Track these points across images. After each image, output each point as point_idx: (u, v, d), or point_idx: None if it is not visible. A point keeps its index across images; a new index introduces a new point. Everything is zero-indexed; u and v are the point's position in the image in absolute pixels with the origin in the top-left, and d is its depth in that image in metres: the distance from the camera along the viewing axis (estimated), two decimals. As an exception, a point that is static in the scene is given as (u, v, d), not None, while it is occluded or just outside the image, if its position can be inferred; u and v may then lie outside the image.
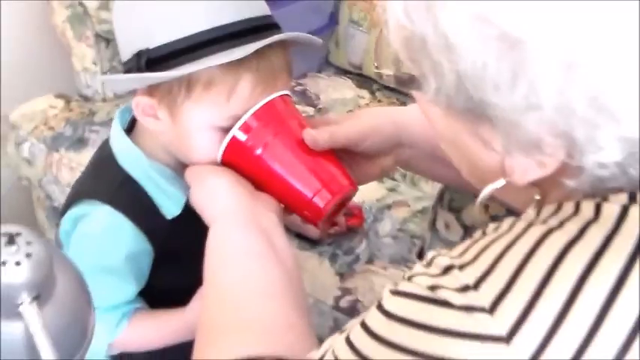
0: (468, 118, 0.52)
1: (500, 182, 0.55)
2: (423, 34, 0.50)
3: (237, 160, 0.82)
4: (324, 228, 0.95)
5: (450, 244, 1.10)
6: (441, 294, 0.47)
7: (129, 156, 0.89)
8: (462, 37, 0.47)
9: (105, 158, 0.92)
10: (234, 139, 0.80)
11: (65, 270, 0.70)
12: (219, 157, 0.82)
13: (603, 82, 0.45)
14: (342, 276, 1.22)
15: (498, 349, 0.44)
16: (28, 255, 0.61)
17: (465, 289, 0.46)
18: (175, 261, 0.86)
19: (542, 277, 0.44)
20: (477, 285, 0.45)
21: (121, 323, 0.90)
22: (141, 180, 0.89)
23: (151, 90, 0.83)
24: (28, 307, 0.62)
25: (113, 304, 0.90)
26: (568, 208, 0.49)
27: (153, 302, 0.94)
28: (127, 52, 0.84)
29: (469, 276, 0.46)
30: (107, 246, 0.87)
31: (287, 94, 0.85)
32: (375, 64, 1.64)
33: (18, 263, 0.60)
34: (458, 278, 0.47)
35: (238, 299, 0.71)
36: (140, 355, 1.02)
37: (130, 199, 0.88)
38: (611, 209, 0.47)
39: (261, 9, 0.86)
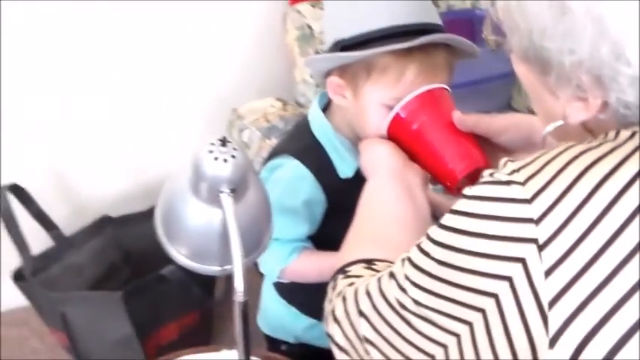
0: (538, 70, 0.68)
1: (559, 122, 0.69)
2: (508, 3, 0.68)
3: (397, 133, 1.00)
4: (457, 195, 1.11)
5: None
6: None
7: (320, 126, 1.12)
8: (531, 3, 0.65)
9: (302, 126, 1.16)
10: (397, 115, 1.00)
11: (256, 186, 0.92)
12: (384, 129, 1.02)
13: (621, 34, 0.60)
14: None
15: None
16: (233, 157, 0.82)
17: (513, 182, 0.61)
18: (341, 214, 1.00)
19: (572, 180, 0.58)
20: (525, 181, 0.60)
21: (291, 255, 1.12)
22: (326, 145, 1.11)
23: (341, 73, 1.05)
24: (226, 197, 0.84)
25: (288, 239, 1.11)
26: (610, 135, 0.63)
27: (318, 247, 1.15)
28: (328, 43, 1.07)
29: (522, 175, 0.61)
30: (291, 190, 1.10)
31: (445, 88, 1.02)
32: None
33: (225, 160, 0.82)
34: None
35: (376, 224, 0.90)
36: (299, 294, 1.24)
37: (315, 158, 1.10)
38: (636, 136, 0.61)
39: (434, 17, 1.04)
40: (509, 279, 0.59)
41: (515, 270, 0.59)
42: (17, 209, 1.70)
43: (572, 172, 0.59)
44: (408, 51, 0.99)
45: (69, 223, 1.87)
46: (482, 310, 0.61)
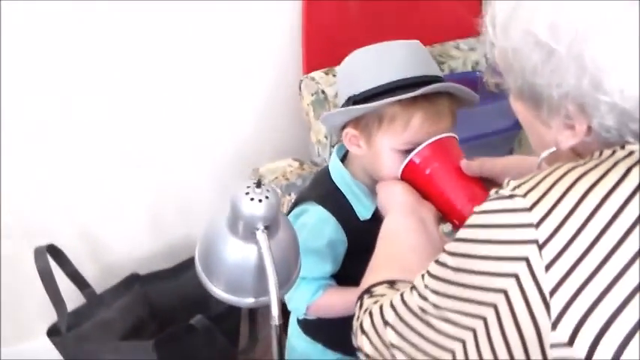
0: (532, 105, 0.80)
1: (552, 149, 0.81)
2: (504, 46, 0.79)
3: (411, 176, 1.12)
4: None
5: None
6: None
7: (339, 174, 1.24)
8: (520, 45, 0.76)
9: (322, 176, 1.28)
10: (411, 161, 1.11)
11: (286, 225, 1.03)
12: (399, 173, 1.13)
13: (598, 69, 0.71)
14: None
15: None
16: (267, 197, 0.93)
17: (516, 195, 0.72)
18: (361, 254, 1.09)
19: (565, 189, 0.69)
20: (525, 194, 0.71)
21: (317, 292, 1.22)
22: (345, 191, 1.23)
23: (355, 125, 1.17)
24: (261, 234, 0.93)
25: (314, 277, 1.22)
26: (595, 154, 0.74)
27: (340, 284, 1.25)
28: (342, 100, 1.19)
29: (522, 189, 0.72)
30: (316, 232, 1.21)
31: (453, 136, 1.14)
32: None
33: (260, 200, 0.93)
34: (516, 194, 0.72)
35: (395, 252, 1.01)
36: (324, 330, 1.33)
37: (336, 203, 1.22)
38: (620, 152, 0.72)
39: (435, 70, 1.17)
40: (515, 276, 0.69)
41: (520, 268, 0.69)
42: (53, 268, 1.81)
43: (565, 183, 0.70)
44: (413, 100, 1.12)
45: (99, 281, 1.97)
46: (493, 305, 0.72)
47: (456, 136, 1.16)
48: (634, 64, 0.71)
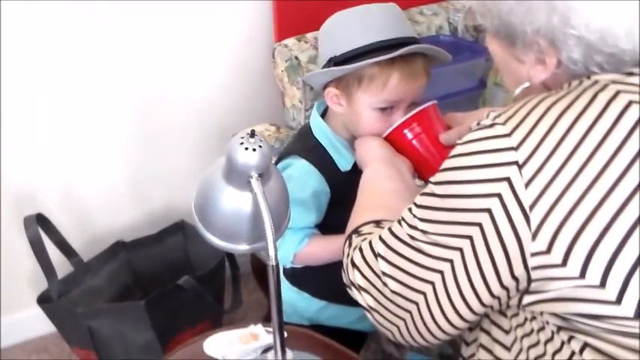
0: (507, 43, 0.89)
1: (526, 84, 0.90)
2: None
3: (395, 140, 1.20)
4: None
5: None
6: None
7: (320, 129, 1.32)
8: None
9: (304, 131, 1.36)
10: (397, 128, 1.19)
11: (276, 175, 1.09)
12: (384, 135, 1.20)
13: (566, 7, 0.80)
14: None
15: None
16: (260, 147, 0.99)
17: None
18: (343, 203, 1.18)
19: (540, 114, 0.77)
20: (505, 122, 0.78)
21: (303, 241, 1.30)
22: (326, 145, 1.31)
23: (337, 84, 1.25)
24: (255, 181, 0.99)
25: (300, 227, 1.30)
26: (564, 86, 0.83)
27: (324, 234, 1.34)
28: (323, 61, 1.27)
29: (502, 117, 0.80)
30: (301, 184, 1.29)
31: (435, 103, 1.23)
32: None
33: (254, 150, 0.99)
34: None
35: (377, 196, 1.10)
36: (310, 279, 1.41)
37: (318, 156, 1.30)
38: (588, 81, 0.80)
39: (411, 32, 1.25)
40: (498, 195, 0.77)
41: (502, 187, 0.77)
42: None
43: (540, 109, 0.79)
44: (391, 61, 1.20)
45: (86, 250, 2.03)
46: (479, 224, 0.80)
47: (436, 102, 1.24)
48: None
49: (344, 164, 1.31)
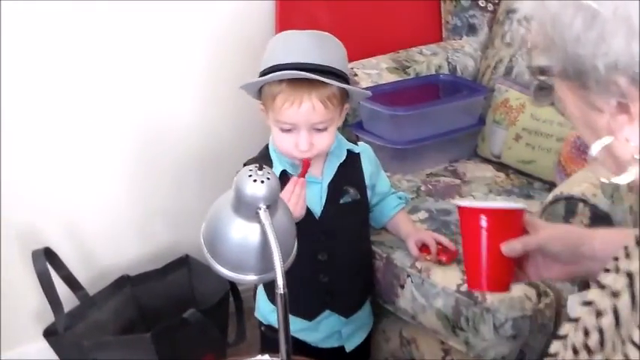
0: (578, 85, 0.71)
1: (608, 139, 0.70)
2: (542, 19, 0.71)
3: (464, 218, 1.11)
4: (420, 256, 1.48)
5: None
6: None
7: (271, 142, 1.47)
8: (560, 12, 0.68)
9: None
10: (473, 210, 1.10)
11: (283, 207, 1.12)
12: (463, 209, 1.12)
13: None
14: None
15: None
16: (268, 179, 1.02)
17: None
18: None
19: None
20: None
21: None
22: (272, 157, 1.49)
23: (263, 100, 1.40)
24: (263, 213, 1.02)
25: None
26: None
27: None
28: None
29: None
30: None
31: (522, 209, 1.10)
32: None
33: (262, 182, 1.02)
34: None
35: None
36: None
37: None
38: None
39: (331, 62, 1.36)
40: None
41: None
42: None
43: None
44: (279, 82, 1.34)
45: (91, 283, 2.05)
46: None
47: (525, 209, 1.12)
48: None
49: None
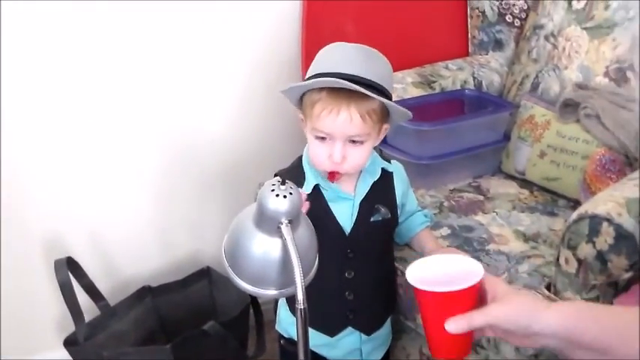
0: None
1: None
2: None
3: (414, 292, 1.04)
4: None
5: (568, 276, 1.39)
6: None
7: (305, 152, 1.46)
8: None
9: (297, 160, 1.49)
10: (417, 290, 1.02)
11: (305, 222, 1.12)
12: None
13: None
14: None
15: None
16: (290, 194, 1.02)
17: None
18: None
19: None
20: None
21: None
22: (305, 169, 1.48)
23: (302, 109, 1.39)
24: (285, 228, 1.02)
25: None
26: None
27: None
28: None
29: None
30: None
31: (473, 286, 1.00)
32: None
33: (285, 197, 1.02)
34: None
35: None
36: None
37: (292, 177, 1.25)
38: None
39: (373, 75, 1.34)
40: None
41: None
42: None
43: None
44: (319, 91, 1.33)
45: (112, 294, 2.06)
46: None
47: (478, 284, 1.02)
48: None
49: (306, 187, 1.43)
